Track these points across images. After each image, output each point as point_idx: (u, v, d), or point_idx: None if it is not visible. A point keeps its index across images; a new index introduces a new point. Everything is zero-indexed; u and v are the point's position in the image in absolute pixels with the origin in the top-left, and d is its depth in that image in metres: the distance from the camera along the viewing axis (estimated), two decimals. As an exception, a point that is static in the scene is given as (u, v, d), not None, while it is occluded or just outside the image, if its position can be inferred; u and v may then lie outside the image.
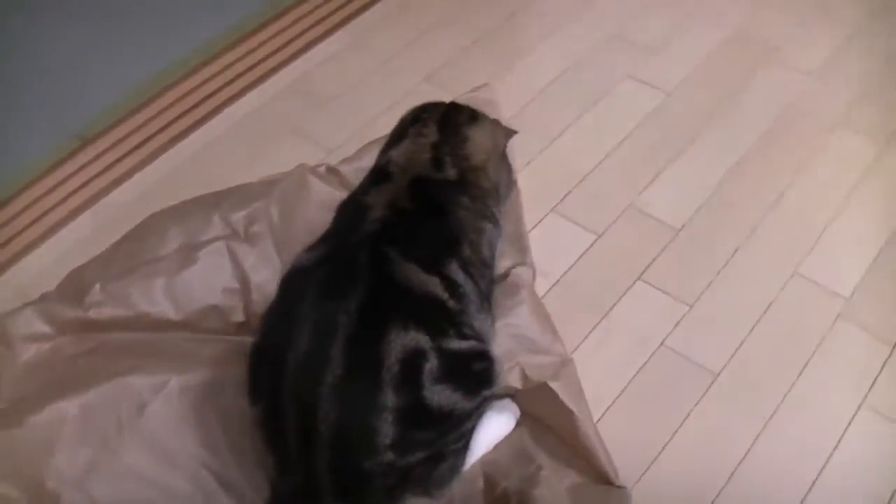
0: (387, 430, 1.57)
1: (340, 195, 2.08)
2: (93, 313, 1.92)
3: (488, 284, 1.81)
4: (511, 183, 1.97)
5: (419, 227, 1.74)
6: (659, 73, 2.75)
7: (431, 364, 1.59)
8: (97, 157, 2.56)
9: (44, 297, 1.95)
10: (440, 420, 1.64)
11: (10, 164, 2.54)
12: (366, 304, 1.61)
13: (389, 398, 1.56)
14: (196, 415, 1.84)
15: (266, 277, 1.98)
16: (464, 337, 1.67)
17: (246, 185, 2.15)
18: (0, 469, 1.61)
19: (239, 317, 1.98)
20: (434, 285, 1.65)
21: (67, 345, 1.92)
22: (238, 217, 2.05)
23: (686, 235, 2.34)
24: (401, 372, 1.57)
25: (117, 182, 2.49)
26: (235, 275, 1.99)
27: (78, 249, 2.23)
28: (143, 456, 1.78)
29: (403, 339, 1.58)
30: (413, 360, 1.58)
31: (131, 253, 2.01)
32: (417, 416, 1.60)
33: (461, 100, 2.20)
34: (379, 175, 1.86)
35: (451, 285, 1.67)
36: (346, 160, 2.23)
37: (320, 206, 2.11)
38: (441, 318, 1.65)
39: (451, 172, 1.82)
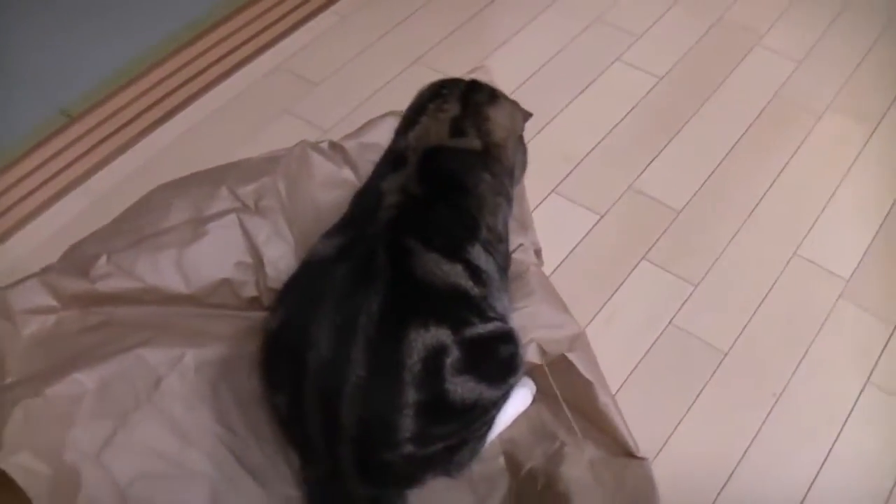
0: (407, 425, 1.55)
1: (344, 172, 2.09)
2: (100, 286, 1.86)
3: (505, 259, 1.78)
4: (524, 165, 1.93)
5: (437, 210, 1.70)
6: (648, 57, 2.75)
7: (453, 357, 1.56)
8: (86, 133, 2.51)
9: (47, 270, 1.89)
10: (462, 412, 1.61)
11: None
12: (386, 304, 1.58)
13: (411, 395, 1.54)
14: (212, 391, 1.80)
15: (279, 253, 1.94)
16: (488, 320, 1.64)
17: (248, 160, 2.10)
18: (20, 439, 1.55)
19: (251, 292, 1.93)
20: (457, 275, 1.62)
21: (73, 319, 1.86)
22: (247, 191, 2.00)
23: (687, 216, 2.33)
24: (423, 370, 1.54)
25: (108, 159, 2.45)
26: (248, 249, 1.95)
27: (73, 225, 2.21)
28: (160, 432, 1.73)
29: (424, 338, 1.55)
30: (435, 357, 1.56)
31: (136, 226, 1.95)
32: (439, 410, 1.58)
33: None
34: (397, 160, 1.80)
35: (475, 271, 1.65)
36: (348, 136, 2.19)
37: (324, 183, 2.09)
38: (464, 309, 1.62)
39: (475, 143, 1.77)
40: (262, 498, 1.71)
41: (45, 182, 2.40)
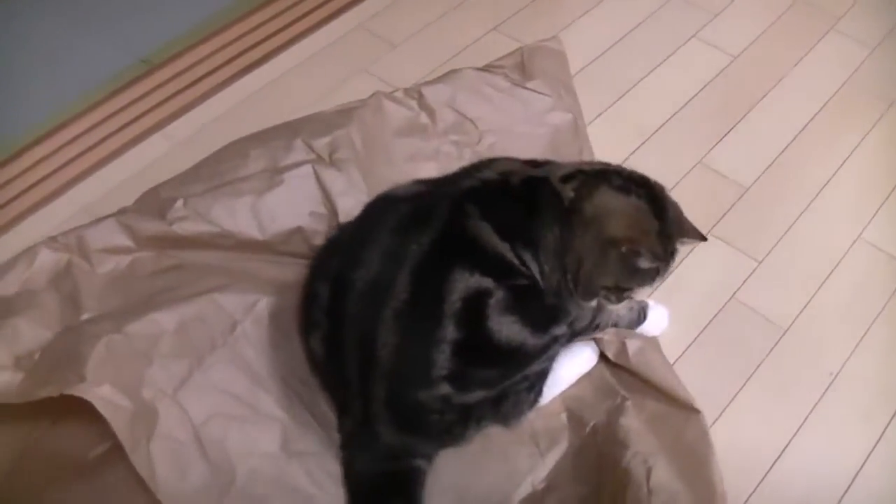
0: (443, 361, 1.59)
1: (421, 117, 2.15)
2: (176, 228, 1.92)
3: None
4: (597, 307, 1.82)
5: (515, 203, 1.72)
6: (724, 35, 2.76)
7: (497, 297, 1.61)
8: (167, 81, 2.56)
9: (124, 211, 1.94)
10: (505, 356, 1.65)
11: (78, 84, 2.54)
12: (437, 242, 1.63)
13: (449, 331, 1.58)
14: (284, 338, 1.85)
15: (352, 203, 1.96)
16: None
17: (322, 113, 2.15)
18: (103, 373, 1.59)
19: (321, 241, 1.96)
20: (504, 249, 1.65)
21: (148, 260, 1.92)
22: (321, 143, 2.04)
23: (754, 194, 2.34)
24: (463, 308, 1.59)
25: (187, 108, 2.49)
26: (322, 199, 1.99)
27: (149, 170, 2.26)
28: (234, 374, 1.79)
29: (468, 281, 1.60)
30: (477, 298, 1.60)
31: (213, 173, 2.00)
32: (481, 350, 1.62)
33: (530, 47, 2.27)
34: (534, 163, 1.81)
35: (520, 258, 1.67)
36: (427, 82, 2.25)
37: (398, 131, 2.15)
38: (508, 271, 1.65)
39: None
40: (326, 442, 1.76)
41: (124, 126, 2.45)
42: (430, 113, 2.16)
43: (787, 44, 2.76)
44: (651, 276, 1.69)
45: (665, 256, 1.68)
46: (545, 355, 1.72)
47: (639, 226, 1.66)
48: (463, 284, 1.59)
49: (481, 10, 2.79)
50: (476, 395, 1.67)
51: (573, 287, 1.66)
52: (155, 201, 1.95)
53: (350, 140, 2.05)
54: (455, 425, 1.70)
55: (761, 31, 2.78)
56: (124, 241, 1.92)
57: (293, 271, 1.94)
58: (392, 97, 2.17)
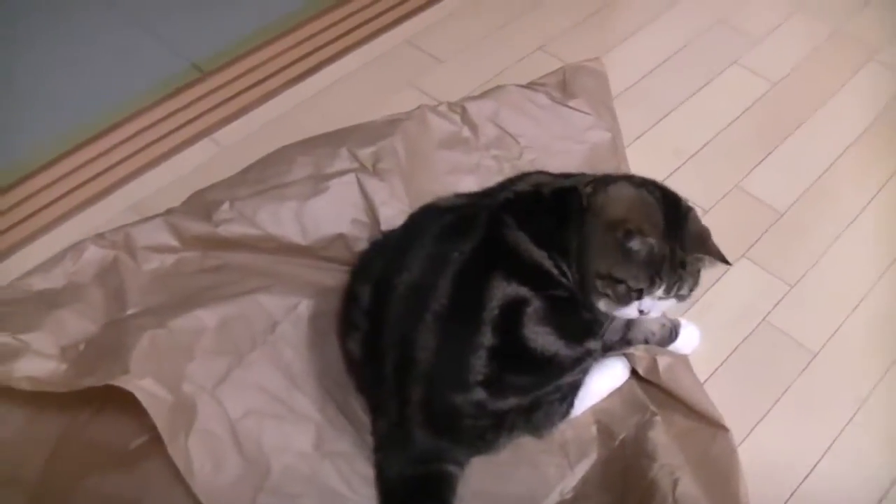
0: (479, 367, 1.62)
1: (463, 132, 2.17)
2: (221, 230, 1.95)
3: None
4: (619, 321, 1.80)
5: (547, 213, 1.74)
6: (764, 62, 2.76)
7: (535, 306, 1.63)
8: (216, 89, 2.60)
9: (171, 211, 1.97)
10: (539, 365, 1.67)
11: (132, 86, 2.59)
12: (478, 249, 1.66)
13: (486, 337, 1.61)
14: (321, 341, 1.88)
15: (394, 212, 1.99)
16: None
17: (369, 123, 2.18)
18: (146, 365, 1.62)
19: (362, 248, 1.98)
20: (541, 257, 1.68)
21: (192, 260, 1.95)
22: (366, 153, 2.07)
23: (789, 219, 2.35)
24: (500, 315, 1.61)
25: (235, 115, 2.52)
26: (365, 208, 2.02)
27: (195, 174, 2.30)
28: (272, 373, 1.81)
29: (505, 289, 1.63)
30: (514, 306, 1.62)
31: (260, 178, 2.03)
32: (516, 358, 1.64)
33: (573, 66, 2.30)
34: (566, 176, 1.84)
35: (558, 266, 1.69)
36: (471, 98, 2.27)
37: (441, 144, 2.17)
38: (545, 280, 1.67)
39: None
40: (359, 444, 1.79)
41: (175, 130, 2.48)
42: (473, 127, 2.19)
43: (825, 72, 2.76)
44: (647, 272, 1.65)
45: (668, 257, 1.66)
46: (578, 367, 1.73)
47: (641, 214, 1.67)
48: (501, 292, 1.62)
49: (527, 29, 2.81)
50: (510, 403, 1.68)
51: (577, 282, 1.68)
52: (202, 203, 1.98)
53: (394, 151, 2.08)
54: (488, 431, 1.71)
55: (801, 59, 2.79)
56: (170, 240, 1.95)
57: (333, 276, 1.97)
58: (436, 111, 2.19)
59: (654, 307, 1.69)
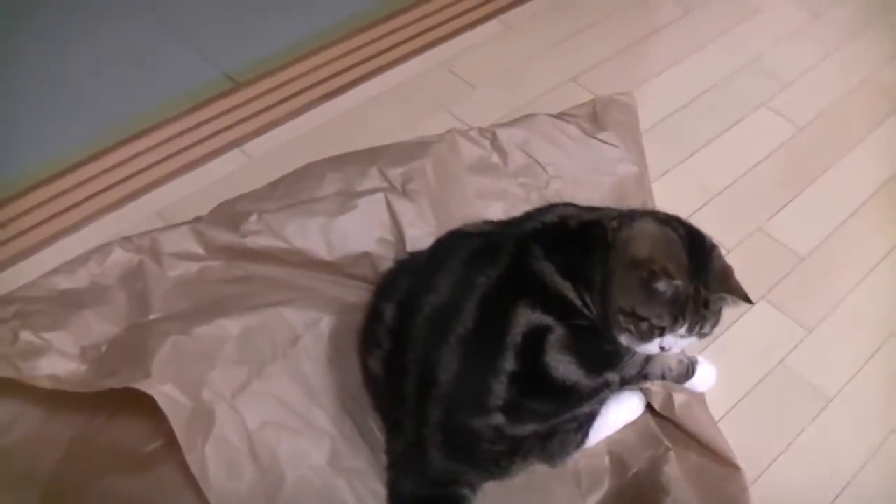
0: (500, 391, 1.61)
1: (493, 158, 2.17)
2: (248, 241, 1.95)
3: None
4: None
5: (573, 245, 1.73)
6: (792, 106, 2.76)
7: (557, 334, 1.62)
8: (249, 100, 2.61)
9: (198, 220, 1.98)
10: (559, 393, 1.67)
11: (163, 93, 2.60)
12: (504, 276, 1.65)
13: (509, 362, 1.60)
14: (341, 358, 1.86)
15: (420, 234, 1.99)
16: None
17: (400, 144, 2.18)
18: (167, 371, 1.62)
19: (387, 267, 1.97)
20: (566, 288, 1.67)
21: (217, 269, 1.95)
22: (396, 172, 2.06)
23: (810, 264, 2.35)
24: (523, 342, 1.61)
25: (266, 127, 2.53)
26: (392, 227, 2.01)
27: (222, 184, 2.31)
28: (291, 386, 1.80)
29: (529, 317, 1.62)
30: (538, 333, 1.62)
31: (290, 191, 2.03)
32: (536, 384, 1.64)
33: (603, 99, 2.31)
34: (591, 209, 1.84)
35: (581, 297, 1.68)
36: (501, 124, 2.27)
37: (470, 168, 2.17)
38: (569, 310, 1.67)
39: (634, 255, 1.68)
40: (373, 462, 1.78)
41: (205, 139, 2.49)
42: (502, 154, 2.19)
43: (852, 120, 2.76)
44: (671, 311, 1.62)
45: (692, 297, 1.63)
46: (596, 398, 1.73)
47: (666, 253, 1.64)
48: (525, 319, 1.61)
49: (560, 59, 2.82)
50: (527, 429, 1.68)
51: (600, 315, 1.66)
52: (230, 213, 1.98)
53: (424, 172, 2.08)
54: (503, 457, 1.71)
55: (828, 105, 2.78)
56: (196, 248, 1.95)
57: (356, 294, 1.96)
58: (467, 135, 2.20)
59: (675, 344, 1.68)
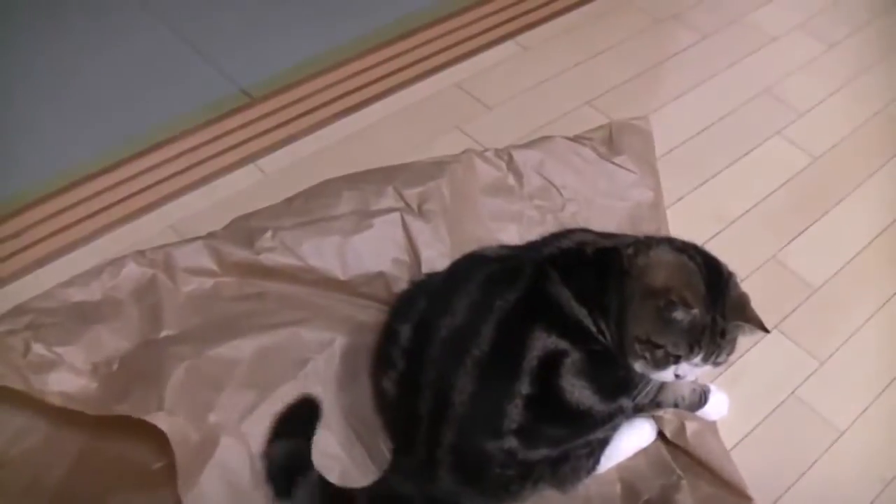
0: (515, 415, 1.59)
1: (508, 179, 2.17)
2: (263, 258, 1.93)
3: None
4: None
5: (589, 271, 1.71)
6: (807, 136, 2.75)
7: (573, 358, 1.61)
8: (265, 115, 2.60)
9: (213, 235, 1.96)
10: (573, 418, 1.65)
11: (177, 108, 2.61)
12: (521, 300, 1.64)
13: (524, 386, 1.59)
14: (352, 380, 1.85)
15: (435, 254, 1.98)
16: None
17: (416, 163, 2.16)
18: (179, 400, 1.63)
19: (401, 287, 1.96)
20: (583, 315, 1.66)
21: (230, 286, 1.94)
22: (412, 193, 2.05)
23: (823, 294, 2.32)
24: (539, 366, 1.59)
25: (281, 143, 2.53)
26: (407, 247, 2.00)
27: (236, 198, 2.29)
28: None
29: (546, 341, 1.61)
30: (553, 358, 1.61)
31: (305, 209, 2.02)
32: (551, 409, 1.63)
33: (619, 123, 2.30)
34: (607, 236, 1.82)
35: (597, 325, 1.67)
36: (518, 146, 2.25)
37: (485, 190, 2.16)
38: (584, 336, 1.66)
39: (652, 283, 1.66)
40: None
41: (218, 154, 2.48)
42: (518, 176, 2.18)
43: (866, 151, 2.74)
44: (687, 340, 1.61)
45: (709, 326, 1.61)
46: (609, 424, 1.71)
47: (682, 281, 1.62)
48: (541, 343, 1.60)
49: (577, 82, 2.80)
50: (540, 453, 1.66)
51: (615, 342, 1.65)
52: (244, 229, 1.97)
53: (440, 193, 2.06)
54: (513, 482, 1.69)
55: (843, 136, 2.76)
56: (210, 264, 1.93)
57: (369, 314, 1.94)
58: (483, 156, 2.18)
59: (690, 372, 1.66)
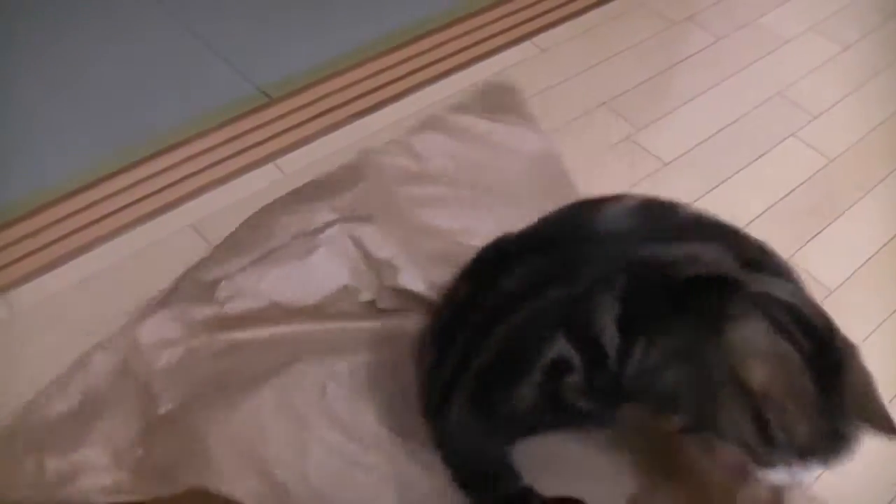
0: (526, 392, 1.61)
1: (412, 166, 2.22)
2: (228, 308, 1.89)
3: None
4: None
5: (663, 302, 1.55)
6: (821, 138, 2.72)
7: (575, 378, 1.60)
8: (282, 116, 2.58)
9: (168, 300, 1.93)
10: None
11: (195, 108, 2.59)
12: (566, 297, 1.60)
13: (535, 377, 1.60)
14: (370, 390, 1.82)
15: (390, 253, 1.99)
16: None
17: (332, 174, 2.21)
18: (233, 467, 1.61)
19: (369, 295, 1.96)
20: (609, 335, 1.60)
21: (202, 346, 1.87)
22: (343, 202, 2.07)
23: (839, 296, 2.29)
24: (550, 366, 1.58)
25: (299, 143, 2.51)
26: (360, 255, 1.99)
27: (255, 199, 2.25)
28: (334, 435, 1.74)
29: (562, 348, 1.59)
30: (561, 365, 1.59)
31: (248, 247, 2.01)
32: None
33: (487, 85, 2.49)
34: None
35: (623, 351, 1.59)
36: (410, 131, 2.35)
37: (398, 181, 2.18)
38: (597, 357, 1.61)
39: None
40: (431, 482, 1.71)
41: (237, 154, 2.46)
42: (420, 160, 2.25)
43: (881, 153, 2.71)
44: (786, 458, 1.41)
45: (818, 434, 1.39)
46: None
47: (784, 385, 1.41)
48: (558, 347, 1.57)
49: (592, 84, 2.79)
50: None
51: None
52: (197, 283, 1.94)
53: (368, 194, 2.10)
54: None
55: (858, 138, 2.74)
56: (173, 332, 1.88)
57: (353, 336, 1.92)
58: (383, 151, 2.27)
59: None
